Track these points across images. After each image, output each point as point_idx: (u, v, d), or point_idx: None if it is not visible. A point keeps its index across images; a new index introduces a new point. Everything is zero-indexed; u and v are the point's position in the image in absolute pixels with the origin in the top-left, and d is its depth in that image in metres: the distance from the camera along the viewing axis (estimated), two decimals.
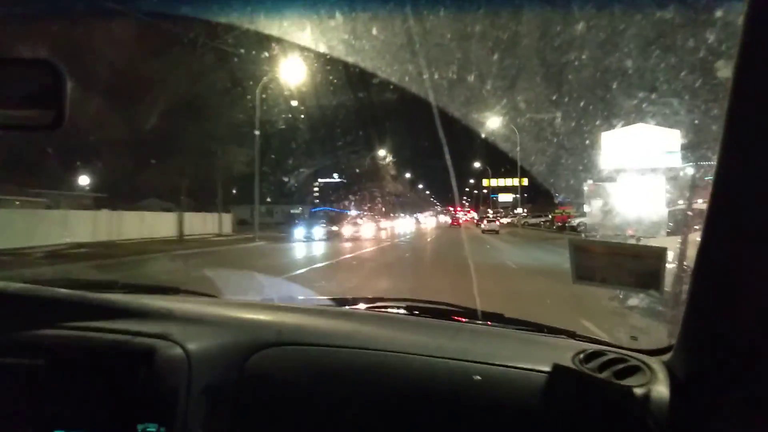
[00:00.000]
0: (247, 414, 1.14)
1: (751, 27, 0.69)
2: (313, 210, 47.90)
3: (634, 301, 4.57)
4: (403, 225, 49.75)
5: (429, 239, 27.36)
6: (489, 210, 56.92)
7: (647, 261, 1.05)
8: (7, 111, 1.10)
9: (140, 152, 20.36)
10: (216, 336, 1.21)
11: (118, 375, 1.07)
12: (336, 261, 14.27)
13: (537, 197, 51.16)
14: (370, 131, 44.01)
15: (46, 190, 25.09)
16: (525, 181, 48.84)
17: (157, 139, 18.34)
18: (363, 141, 42.53)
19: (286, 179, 36.89)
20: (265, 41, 17.23)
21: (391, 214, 56.10)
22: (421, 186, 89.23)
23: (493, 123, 29.99)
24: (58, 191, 26.80)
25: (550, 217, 37.55)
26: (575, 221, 24.71)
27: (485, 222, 36.23)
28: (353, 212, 41.83)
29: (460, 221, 52.37)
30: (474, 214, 66.32)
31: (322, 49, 11.97)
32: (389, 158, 52.46)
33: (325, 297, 1.91)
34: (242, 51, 17.63)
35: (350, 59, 12.19)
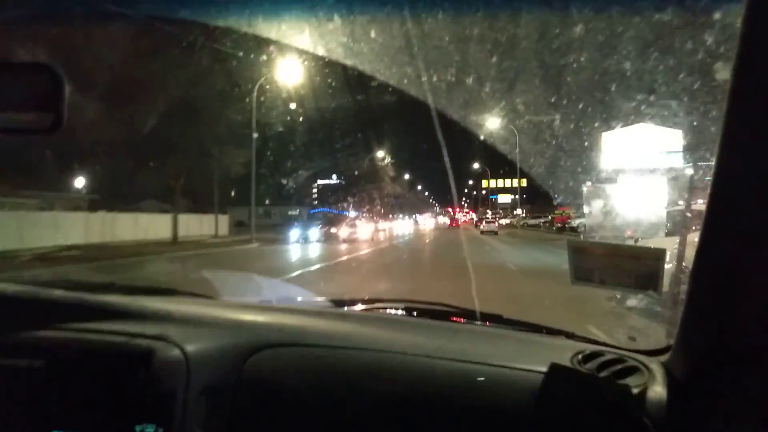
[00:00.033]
0: (246, 415, 1.14)
1: (749, 29, 0.70)
2: (312, 211, 47.93)
3: (632, 301, 4.58)
4: (402, 226, 49.76)
5: (427, 240, 27.37)
6: (488, 211, 56.92)
7: (646, 262, 1.05)
8: (6, 114, 1.10)
9: (137, 153, 20.29)
10: (214, 337, 1.21)
11: (117, 376, 1.08)
12: (331, 264, 14.00)
13: (536, 198, 51.27)
14: (369, 133, 44.14)
15: (39, 192, 24.75)
16: (524, 182, 49.00)
17: (154, 140, 18.27)
18: (362, 143, 42.66)
19: (284, 181, 36.94)
20: (263, 44, 17.26)
21: (390, 216, 56.13)
22: (419, 187, 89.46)
23: (491, 124, 30.04)
24: (52, 192, 26.46)
25: (549, 218, 37.55)
26: (575, 222, 24.70)
27: (484, 223, 36.22)
28: (352, 214, 41.82)
29: (459, 222, 52.41)
30: (473, 215, 66.39)
31: (321, 51, 11.97)
32: (388, 160, 52.55)
33: (324, 298, 1.91)
34: (241, 54, 17.63)
35: (349, 62, 12.19)
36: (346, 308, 1.65)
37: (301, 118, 27.06)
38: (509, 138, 29.67)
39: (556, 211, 34.55)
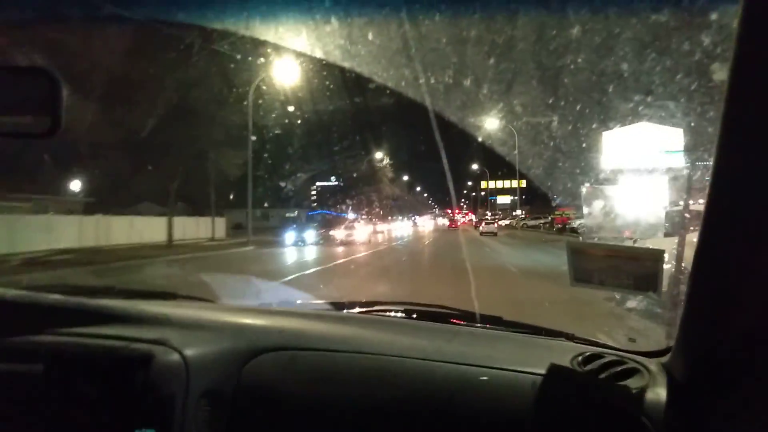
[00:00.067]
0: (245, 419, 1.13)
1: (746, 29, 0.70)
2: (310, 213, 47.91)
3: (632, 303, 4.58)
4: (401, 228, 49.76)
5: (426, 242, 27.33)
6: (487, 212, 56.95)
7: (645, 263, 1.05)
8: (4, 118, 1.10)
9: (134, 156, 20.17)
10: (213, 341, 1.21)
11: (116, 381, 1.07)
12: (327, 267, 13.60)
13: (535, 199, 51.40)
14: (368, 135, 44.21)
15: (33, 195, 24.25)
16: (523, 183, 49.08)
17: (150, 142, 18.20)
18: (360, 145, 42.68)
19: (283, 183, 36.92)
20: (261, 46, 17.27)
21: (389, 217, 56.17)
22: (418, 189, 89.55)
23: (490, 126, 30.17)
24: (46, 196, 26.01)
25: (549, 218, 37.53)
26: (576, 223, 24.68)
27: (483, 224, 36.13)
28: (351, 215, 41.81)
29: (458, 224, 52.40)
30: (472, 217, 66.40)
31: (319, 53, 12.00)
32: (387, 161, 52.61)
33: (323, 301, 1.90)
34: (239, 56, 17.62)
35: (347, 64, 12.20)
36: (345, 311, 1.64)
37: (299, 121, 27.09)
38: (508, 139, 29.80)
39: (557, 212, 34.56)
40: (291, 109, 24.91)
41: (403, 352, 1.20)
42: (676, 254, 1.31)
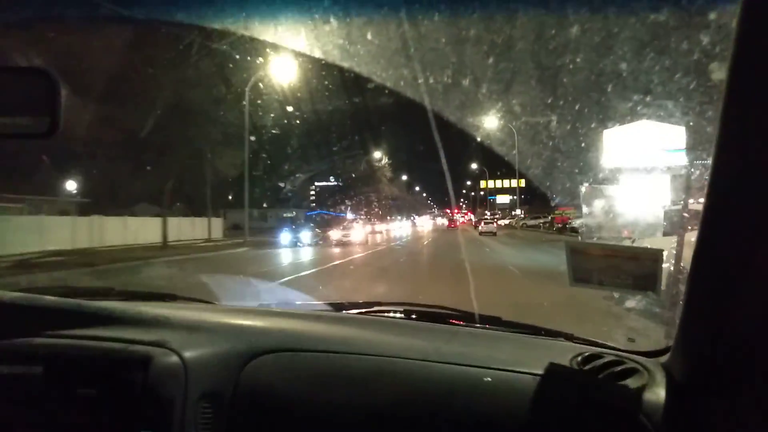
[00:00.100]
0: (245, 421, 1.13)
1: (744, 29, 0.70)
2: (309, 213, 47.84)
3: (631, 302, 4.58)
4: (400, 228, 49.73)
5: (425, 242, 27.29)
6: (486, 212, 56.93)
7: (644, 263, 1.05)
8: (2, 118, 1.10)
9: (130, 156, 20.05)
10: (213, 343, 1.21)
11: (115, 383, 1.07)
12: (323, 268, 13.30)
13: (534, 199, 51.40)
14: (367, 135, 44.10)
15: (28, 196, 23.78)
16: (522, 183, 49.08)
17: (147, 142, 18.14)
18: (359, 145, 42.59)
19: (281, 184, 36.86)
20: (260, 46, 17.24)
21: (388, 217, 56.18)
22: (417, 189, 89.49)
23: (489, 125, 30.18)
24: (41, 196, 25.51)
25: (549, 218, 37.48)
26: (576, 222, 24.64)
27: (483, 224, 36.08)
28: (350, 216, 41.80)
29: (458, 223, 52.40)
30: (471, 216, 66.39)
31: (318, 53, 12.00)
32: (385, 161, 52.58)
33: (322, 302, 1.90)
34: (237, 56, 17.61)
35: (346, 63, 12.20)
36: (344, 312, 1.64)
37: (298, 120, 27.01)
38: (507, 139, 29.82)
39: (556, 212, 34.53)
40: (290, 108, 24.85)
41: (403, 352, 1.20)
42: (675, 254, 1.31)
